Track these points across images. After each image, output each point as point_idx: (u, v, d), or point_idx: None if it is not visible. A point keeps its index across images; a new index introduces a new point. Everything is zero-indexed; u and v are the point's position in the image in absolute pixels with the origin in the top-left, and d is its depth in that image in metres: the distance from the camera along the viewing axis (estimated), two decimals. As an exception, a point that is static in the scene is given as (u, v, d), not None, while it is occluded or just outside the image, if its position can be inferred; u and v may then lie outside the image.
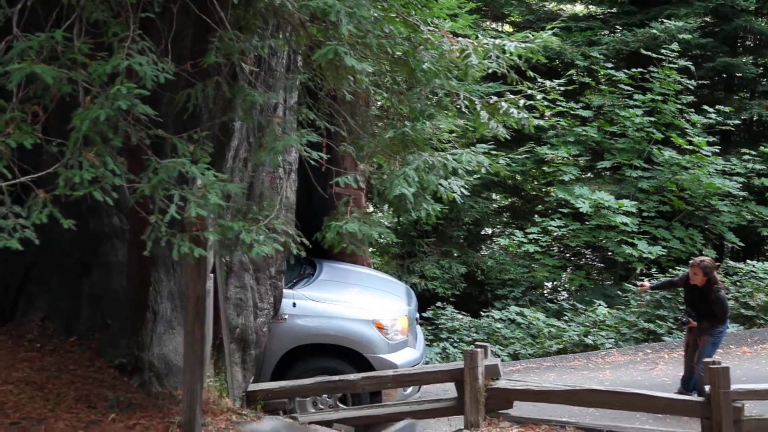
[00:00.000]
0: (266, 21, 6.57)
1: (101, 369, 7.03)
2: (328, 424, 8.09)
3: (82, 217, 6.80)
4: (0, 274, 7.57)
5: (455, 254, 18.83)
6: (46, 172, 4.94)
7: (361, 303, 9.57)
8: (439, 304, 16.37)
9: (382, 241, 18.30)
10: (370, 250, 17.82)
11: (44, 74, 4.78)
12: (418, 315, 10.68)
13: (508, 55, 6.55)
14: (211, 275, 6.99)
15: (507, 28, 23.12)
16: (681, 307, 14.28)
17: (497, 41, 6.53)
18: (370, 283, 10.71)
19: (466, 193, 6.94)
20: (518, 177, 20.28)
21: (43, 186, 4.90)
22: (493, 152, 10.03)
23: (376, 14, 6.01)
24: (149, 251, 5.09)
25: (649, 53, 17.61)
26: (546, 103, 7.51)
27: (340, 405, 8.93)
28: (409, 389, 9.32)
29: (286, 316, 8.97)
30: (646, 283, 10.86)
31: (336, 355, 9.02)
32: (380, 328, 9.09)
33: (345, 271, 10.83)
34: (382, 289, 10.49)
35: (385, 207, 16.16)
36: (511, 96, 7.03)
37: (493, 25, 23.17)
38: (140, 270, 7.04)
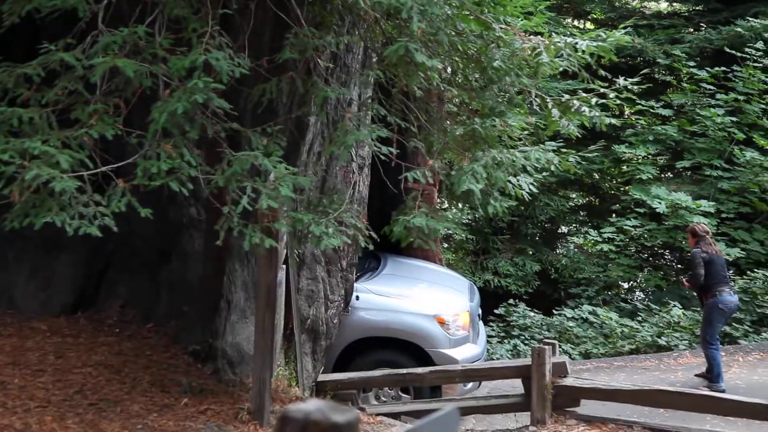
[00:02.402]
0: (342, 18, 6.67)
1: (176, 355, 7.23)
2: (395, 416, 8.19)
3: (161, 208, 7.00)
4: (83, 261, 7.82)
5: (530, 252, 18.73)
6: (126, 163, 5.14)
7: (423, 298, 9.66)
8: (511, 301, 16.30)
9: (456, 237, 18.33)
10: (444, 246, 17.86)
11: (126, 68, 4.97)
12: (480, 311, 10.72)
13: (580, 53, 6.55)
14: (283, 266, 7.15)
15: (589, 25, 22.82)
16: (758, 310, 14.08)
17: (569, 40, 6.53)
18: (433, 278, 10.77)
19: (535, 190, 6.96)
20: (596, 175, 20.07)
21: (124, 176, 5.10)
22: (564, 150, 10.02)
23: (448, 12, 6.07)
24: (222, 241, 5.25)
25: (734, 52, 17.22)
26: (619, 101, 7.45)
27: (403, 395, 9.04)
28: (469, 384, 9.37)
29: (350, 309, 9.10)
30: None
31: (397, 349, 9.12)
32: (441, 323, 9.15)
33: (408, 266, 10.91)
34: (445, 285, 10.55)
35: (460, 204, 16.16)
36: (584, 94, 7.03)
37: (575, 23, 22.91)
38: (215, 260, 7.23)
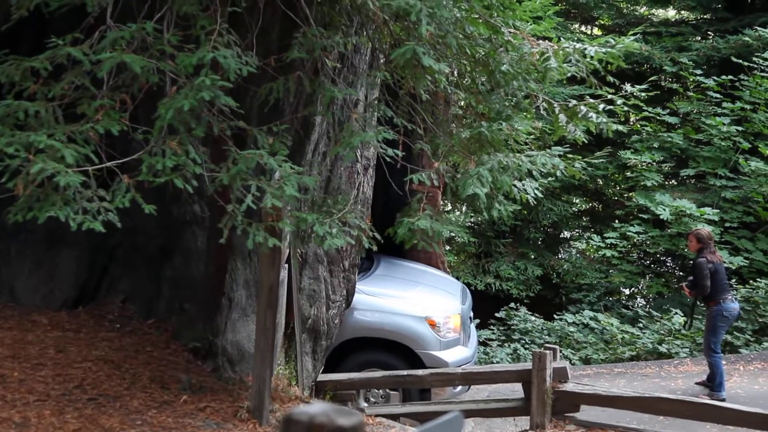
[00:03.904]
0: (350, 18, 6.66)
1: (176, 352, 7.21)
2: (394, 417, 8.19)
3: (165, 204, 6.98)
4: (86, 255, 7.81)
5: (532, 256, 18.72)
6: (131, 159, 5.13)
7: (414, 299, 9.62)
8: (512, 305, 16.30)
9: (458, 240, 18.31)
10: (447, 248, 17.84)
11: (133, 63, 4.96)
12: (472, 314, 10.69)
13: (588, 59, 6.54)
14: (286, 265, 7.14)
15: (596, 31, 22.78)
16: (760, 319, 14.05)
17: (578, 45, 6.52)
18: (425, 279, 10.74)
19: (540, 195, 6.95)
20: (600, 181, 20.05)
21: (128, 172, 5.09)
22: (569, 155, 9.99)
23: (457, 15, 6.06)
24: (225, 239, 5.24)
25: (741, 61, 17.18)
26: (626, 108, 7.40)
27: (391, 392, 9.02)
28: (458, 388, 9.35)
29: None
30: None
31: (387, 350, 9.10)
32: (432, 325, 9.14)
33: (402, 267, 10.88)
34: (437, 287, 10.52)
35: (463, 207, 16.13)
36: (591, 100, 7.02)
37: (582, 28, 22.87)
38: (218, 257, 7.22)
